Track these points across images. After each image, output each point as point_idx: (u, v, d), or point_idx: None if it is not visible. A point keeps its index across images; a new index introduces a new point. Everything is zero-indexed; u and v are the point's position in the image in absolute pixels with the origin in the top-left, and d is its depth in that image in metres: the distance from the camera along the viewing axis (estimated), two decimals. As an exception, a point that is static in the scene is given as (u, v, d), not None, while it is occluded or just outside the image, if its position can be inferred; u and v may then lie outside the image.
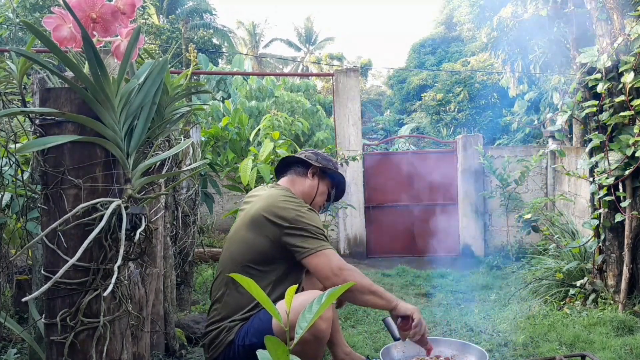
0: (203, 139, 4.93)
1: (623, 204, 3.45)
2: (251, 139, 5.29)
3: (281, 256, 2.07)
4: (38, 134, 1.25)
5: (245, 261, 2.11)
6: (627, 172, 3.40)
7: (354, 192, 6.85)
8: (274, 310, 0.86)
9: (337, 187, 2.44)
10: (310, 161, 2.34)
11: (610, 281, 3.59)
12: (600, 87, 3.51)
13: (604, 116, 3.53)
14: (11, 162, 1.74)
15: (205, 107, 6.65)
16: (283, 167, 2.42)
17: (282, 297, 1.97)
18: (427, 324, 2.09)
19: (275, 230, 2.05)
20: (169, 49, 2.03)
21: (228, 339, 2.01)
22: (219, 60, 18.94)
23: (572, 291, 3.79)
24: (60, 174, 1.22)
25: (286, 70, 26.60)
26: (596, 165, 3.64)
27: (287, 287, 2.03)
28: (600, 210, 3.66)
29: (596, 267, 3.73)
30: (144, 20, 16.86)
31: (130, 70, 1.44)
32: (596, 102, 3.58)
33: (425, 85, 16.90)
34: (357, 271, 2.05)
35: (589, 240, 3.87)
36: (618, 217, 3.47)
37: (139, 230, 1.26)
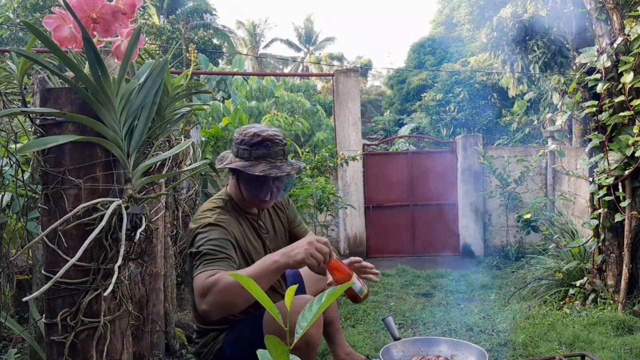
0: (203, 139, 4.93)
1: (622, 204, 3.45)
2: (251, 139, 5.28)
3: None
4: (38, 134, 1.25)
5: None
6: (626, 172, 3.41)
7: (354, 192, 6.85)
8: (274, 309, 0.86)
9: (251, 179, 1.90)
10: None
11: (610, 281, 3.60)
12: (600, 87, 3.51)
13: (603, 116, 3.54)
14: (12, 162, 1.75)
15: (205, 107, 6.65)
16: None
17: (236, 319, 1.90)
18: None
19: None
20: (169, 49, 2.04)
21: (216, 347, 1.99)
22: (219, 61, 18.94)
23: (571, 291, 3.80)
24: (61, 174, 1.23)
25: (286, 70, 26.61)
26: (596, 165, 3.65)
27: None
28: (599, 210, 3.66)
29: (596, 267, 3.73)
30: (144, 21, 16.86)
31: (131, 71, 1.44)
32: (596, 102, 3.58)
33: (425, 85, 16.89)
34: (217, 288, 1.56)
35: (588, 240, 3.87)
36: (617, 217, 3.47)
37: (139, 230, 1.26)
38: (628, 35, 3.39)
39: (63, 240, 1.22)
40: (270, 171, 1.87)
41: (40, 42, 1.15)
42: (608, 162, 3.50)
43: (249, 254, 1.96)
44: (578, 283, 3.78)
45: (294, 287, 0.93)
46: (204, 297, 1.58)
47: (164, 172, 2.30)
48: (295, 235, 2.25)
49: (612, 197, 3.51)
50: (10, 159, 1.73)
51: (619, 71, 3.43)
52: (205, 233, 1.79)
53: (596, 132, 3.59)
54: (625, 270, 3.44)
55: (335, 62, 24.58)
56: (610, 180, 3.48)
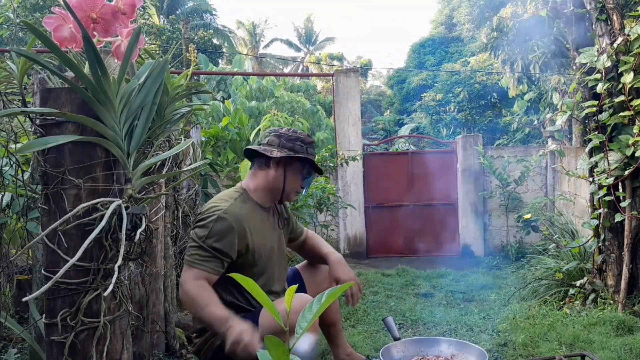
0: (203, 139, 4.93)
1: (623, 204, 3.45)
2: (251, 139, 5.30)
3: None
4: (38, 134, 1.25)
5: None
6: (626, 172, 3.41)
7: (354, 192, 6.85)
8: (274, 309, 0.86)
9: (309, 167, 2.21)
10: (267, 154, 2.12)
11: (610, 281, 3.60)
12: (600, 87, 3.51)
13: (603, 116, 3.54)
14: (12, 162, 1.75)
15: (205, 107, 6.65)
16: (251, 157, 2.25)
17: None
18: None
19: None
20: (169, 49, 2.03)
21: (216, 343, 1.99)
22: (219, 61, 18.94)
23: (571, 291, 3.79)
24: (61, 174, 1.23)
25: (286, 70, 26.60)
26: (596, 165, 3.65)
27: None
28: (599, 210, 3.66)
29: (596, 267, 3.73)
30: (144, 21, 16.86)
31: (131, 71, 1.44)
32: (596, 102, 3.58)
33: (425, 85, 16.89)
34: (194, 292, 1.88)
35: (588, 240, 3.87)
36: (618, 217, 3.47)
37: (139, 230, 1.26)
38: (628, 35, 3.39)
39: (63, 240, 1.22)
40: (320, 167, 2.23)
41: (40, 42, 1.15)
42: (608, 162, 3.50)
43: (263, 242, 2.12)
44: (578, 283, 3.78)
45: (294, 287, 0.93)
46: (182, 289, 1.91)
47: (164, 172, 2.29)
48: (296, 237, 2.42)
49: (612, 197, 3.51)
50: (10, 159, 1.73)
51: (619, 71, 3.43)
52: (210, 224, 1.96)
53: (596, 132, 3.58)
54: (625, 270, 3.44)
55: (335, 62, 24.56)
56: (611, 180, 3.48)
